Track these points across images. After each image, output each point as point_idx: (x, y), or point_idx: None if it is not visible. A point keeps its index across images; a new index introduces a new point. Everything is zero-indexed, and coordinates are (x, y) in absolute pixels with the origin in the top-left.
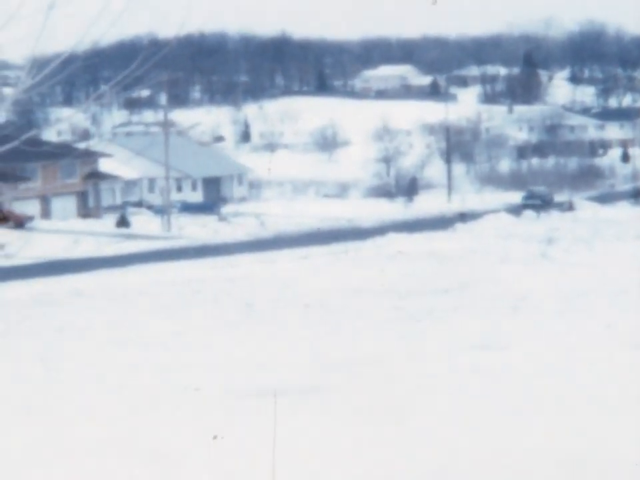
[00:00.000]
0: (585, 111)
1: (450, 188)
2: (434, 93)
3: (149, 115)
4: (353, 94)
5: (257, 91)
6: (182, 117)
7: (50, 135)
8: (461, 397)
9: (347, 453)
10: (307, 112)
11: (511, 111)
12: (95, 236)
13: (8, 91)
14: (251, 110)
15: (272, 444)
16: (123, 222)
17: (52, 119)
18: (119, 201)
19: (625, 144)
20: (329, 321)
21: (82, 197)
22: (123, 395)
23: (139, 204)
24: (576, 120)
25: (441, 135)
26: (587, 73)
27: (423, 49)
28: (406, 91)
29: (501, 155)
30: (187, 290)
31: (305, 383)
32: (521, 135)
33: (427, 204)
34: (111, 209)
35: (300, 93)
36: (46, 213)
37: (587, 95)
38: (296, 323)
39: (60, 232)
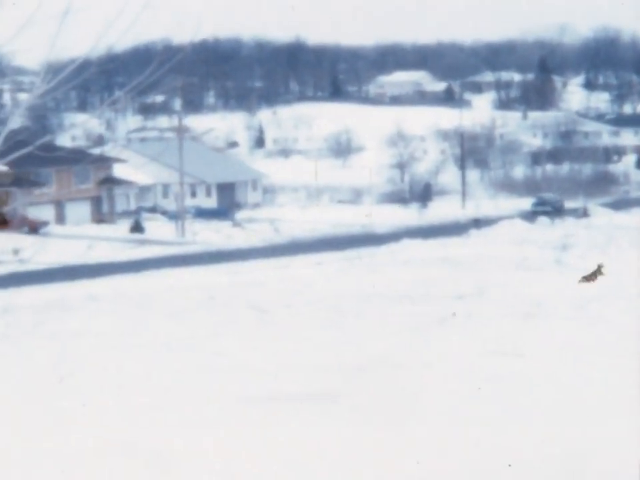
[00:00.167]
0: (600, 117)
1: (464, 194)
2: (448, 98)
3: (163, 121)
4: (367, 100)
5: (271, 96)
6: (196, 122)
7: (64, 141)
8: (475, 404)
9: (369, 459)
10: (321, 118)
11: (525, 117)
12: (109, 241)
13: (23, 96)
14: (265, 115)
15: (291, 451)
16: (137, 227)
17: (66, 124)
18: (133, 206)
19: (639, 150)
20: (343, 327)
21: (96, 202)
22: (136, 400)
23: (153, 209)
24: (590, 126)
25: (455, 141)
26: (601, 79)
27: (438, 55)
28: (420, 97)
29: (515, 161)
30: (201, 295)
31: (319, 390)
32: (535, 141)
33: (441, 210)
34: (125, 214)
35: (314, 98)
36: (60, 218)
37: (601, 101)
38: (310, 328)
39: (74, 237)
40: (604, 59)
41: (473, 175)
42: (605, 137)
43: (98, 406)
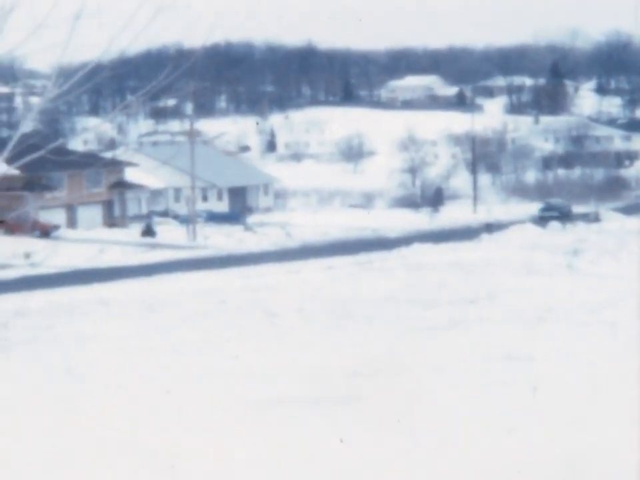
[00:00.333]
0: (611, 122)
1: (475, 198)
2: (460, 103)
3: (175, 125)
4: (378, 104)
5: (283, 100)
6: (208, 126)
7: (76, 144)
8: (487, 408)
9: (376, 462)
10: (332, 122)
11: (537, 121)
12: (121, 245)
13: (35, 100)
14: (276, 120)
15: (299, 455)
16: (148, 231)
17: (78, 128)
18: (144, 210)
19: None
20: (354, 332)
21: (108, 206)
22: (145, 403)
23: (165, 213)
24: (602, 131)
25: (467, 146)
26: (613, 84)
27: (449, 60)
28: (432, 101)
29: (526, 165)
30: (212, 299)
31: (329, 394)
32: (546, 146)
33: (452, 214)
34: (137, 218)
35: (326, 103)
36: (72, 222)
37: (613, 105)
38: (321, 332)
39: (86, 241)
40: (616, 63)
41: (485, 179)
42: (617, 141)
43: (108, 408)
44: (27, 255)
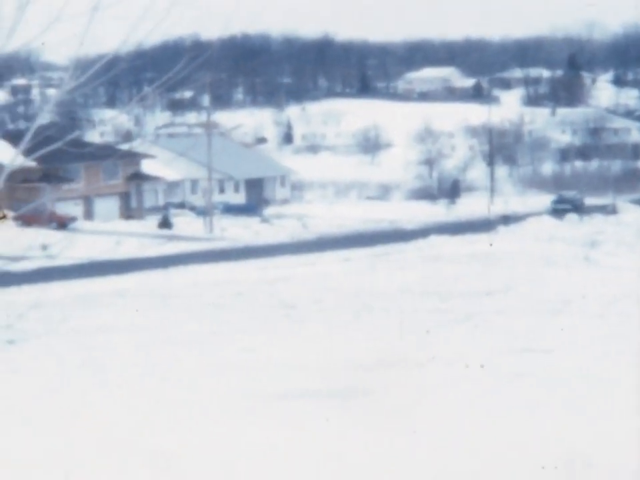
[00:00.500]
0: (629, 114)
1: (492, 190)
2: (477, 95)
3: (191, 116)
4: (395, 96)
5: (300, 92)
6: (225, 118)
7: (93, 136)
8: (505, 399)
9: (390, 456)
10: (349, 114)
11: (554, 113)
12: (138, 237)
13: (52, 92)
14: (293, 112)
15: (313, 448)
16: (165, 223)
17: (95, 120)
18: (161, 202)
19: None
20: (370, 324)
21: (124, 198)
22: (159, 396)
23: (182, 205)
24: (619, 123)
25: (484, 138)
26: (630, 76)
27: (466, 51)
28: (449, 93)
29: (543, 157)
30: (229, 291)
31: (345, 386)
32: (564, 138)
33: (469, 206)
34: (154, 210)
35: (343, 94)
36: (89, 214)
37: (630, 97)
38: (337, 325)
39: (102, 233)
40: (633, 55)
41: (502, 171)
42: (634, 133)
43: (123, 400)
44: (44, 247)
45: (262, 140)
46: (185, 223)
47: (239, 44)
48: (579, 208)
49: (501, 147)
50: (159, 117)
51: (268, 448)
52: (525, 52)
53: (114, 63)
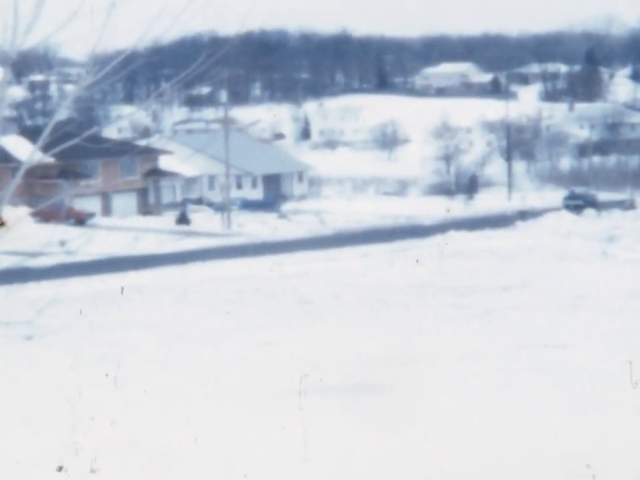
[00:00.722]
0: None
1: (510, 186)
2: (494, 90)
3: (209, 112)
4: (413, 91)
5: (318, 88)
6: (242, 114)
7: (111, 132)
8: (520, 396)
9: (407, 452)
10: (367, 109)
11: (571, 108)
12: (155, 233)
13: (69, 88)
14: (311, 107)
15: (332, 444)
16: (183, 219)
17: (113, 116)
18: (179, 198)
19: None
20: (388, 319)
21: (142, 194)
22: (177, 392)
23: (199, 201)
24: (637, 118)
25: (502, 133)
26: None
27: (484, 47)
28: (466, 89)
29: (561, 152)
30: (247, 287)
31: (363, 382)
32: (582, 133)
33: (487, 202)
34: (171, 206)
35: (360, 90)
36: (106, 210)
37: None
38: (355, 321)
39: (120, 229)
40: None
41: (519, 166)
42: None
43: (146, 394)
44: (62, 243)
45: (279, 136)
46: (202, 218)
47: (257, 40)
48: (591, 203)
49: (518, 142)
50: (177, 113)
51: (284, 441)
52: (543, 47)
53: (132, 59)
